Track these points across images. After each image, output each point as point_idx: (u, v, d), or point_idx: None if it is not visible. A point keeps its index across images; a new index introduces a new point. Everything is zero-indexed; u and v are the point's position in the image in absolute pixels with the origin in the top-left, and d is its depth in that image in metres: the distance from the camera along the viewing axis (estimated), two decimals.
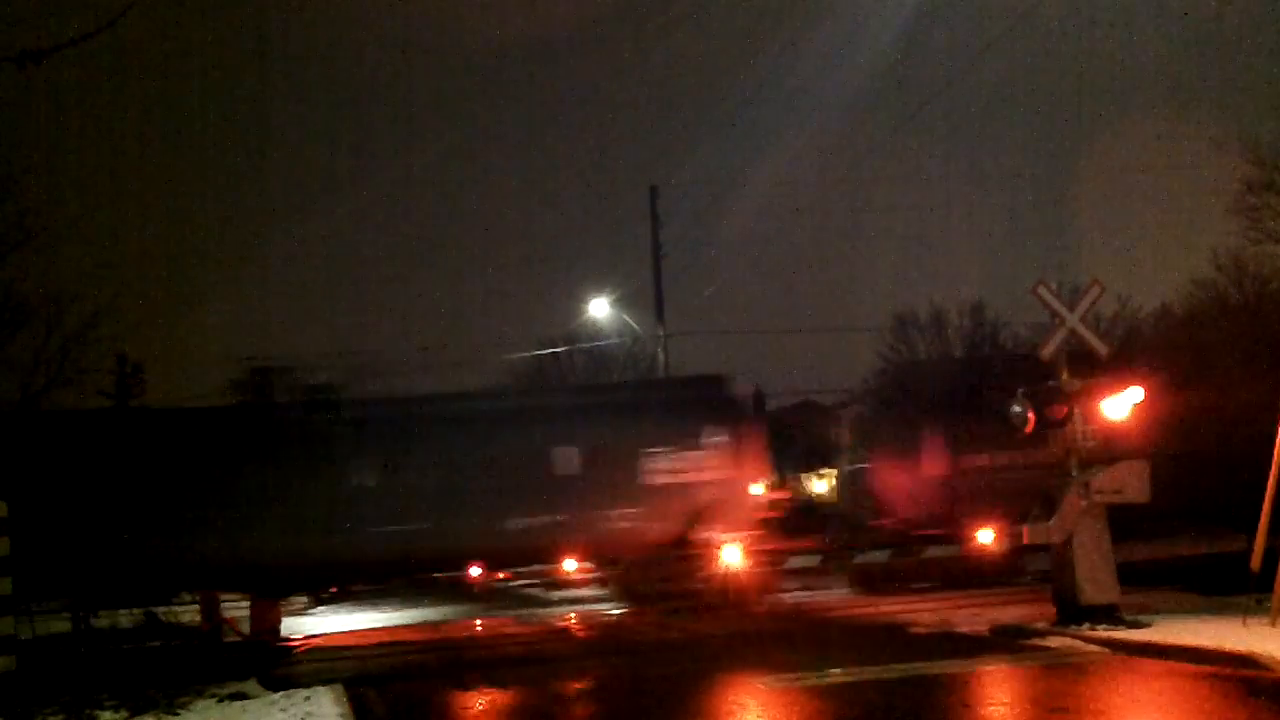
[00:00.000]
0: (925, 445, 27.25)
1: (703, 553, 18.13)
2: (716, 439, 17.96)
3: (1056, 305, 14.42)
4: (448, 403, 19.58)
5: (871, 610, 18.92)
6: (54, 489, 16.35)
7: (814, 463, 43.65)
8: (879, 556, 20.44)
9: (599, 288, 34.79)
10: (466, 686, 12.80)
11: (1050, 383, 14.23)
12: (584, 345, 39.70)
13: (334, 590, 30.45)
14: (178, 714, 11.05)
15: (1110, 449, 14.22)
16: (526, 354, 41.41)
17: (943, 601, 19.23)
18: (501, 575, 29.09)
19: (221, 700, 11.71)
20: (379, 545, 16.92)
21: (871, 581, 22.69)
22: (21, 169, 24.09)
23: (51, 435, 18.58)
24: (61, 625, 18.03)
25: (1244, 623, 11.90)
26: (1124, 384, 14.16)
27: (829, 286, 65.28)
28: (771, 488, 20.94)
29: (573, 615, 21.91)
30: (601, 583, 26.53)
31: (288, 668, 15.70)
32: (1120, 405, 14.06)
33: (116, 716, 10.99)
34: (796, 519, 26.38)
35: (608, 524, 17.49)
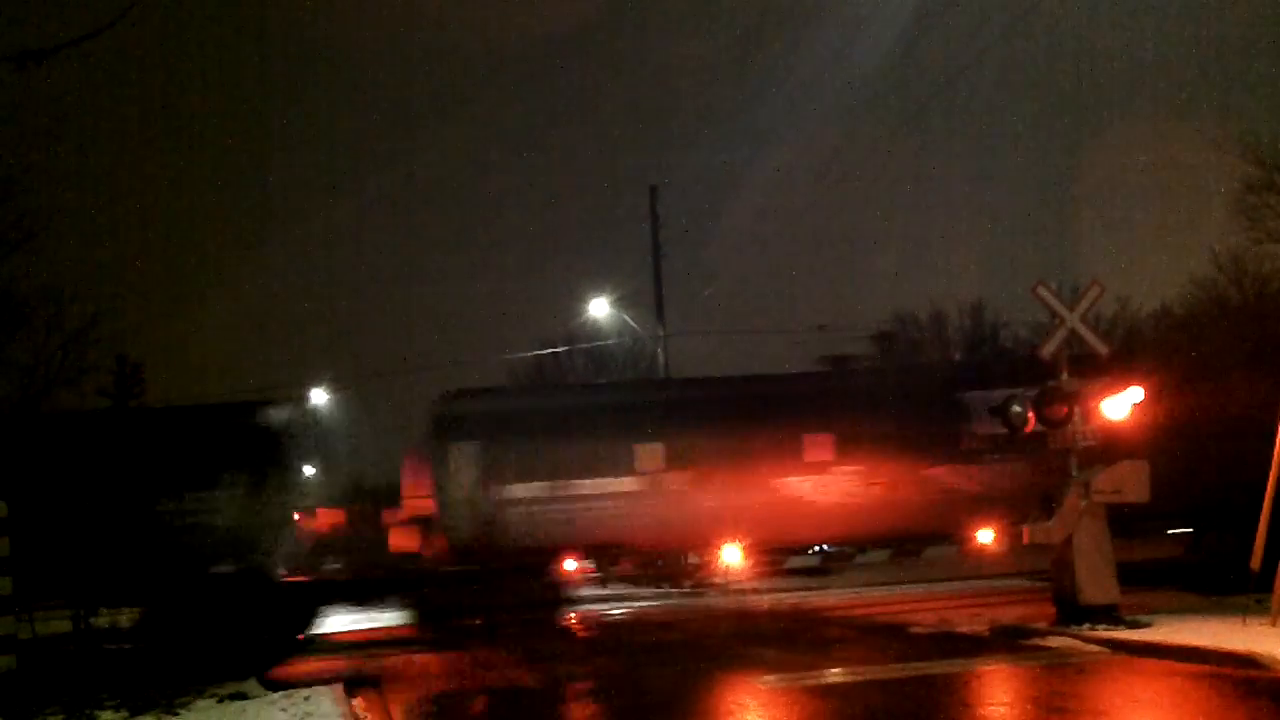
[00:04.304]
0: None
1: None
2: (237, 472, 17.12)
3: (1056, 305, 14.42)
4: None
5: (872, 610, 18.92)
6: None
7: None
8: None
9: (599, 288, 34.77)
10: (467, 686, 12.79)
11: (1050, 383, 14.23)
12: (584, 345, 39.72)
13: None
14: (178, 714, 11.04)
15: (1110, 449, 14.22)
16: (526, 354, 41.46)
17: (943, 601, 19.23)
18: None
19: (221, 700, 11.70)
20: None
21: None
22: (21, 169, 24.13)
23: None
24: (62, 625, 18.04)
25: (1244, 623, 11.90)
26: (1124, 384, 14.16)
27: (829, 286, 65.21)
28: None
29: (573, 615, 21.90)
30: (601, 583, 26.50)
31: (288, 668, 15.68)
32: (1120, 405, 14.06)
33: (116, 716, 10.99)
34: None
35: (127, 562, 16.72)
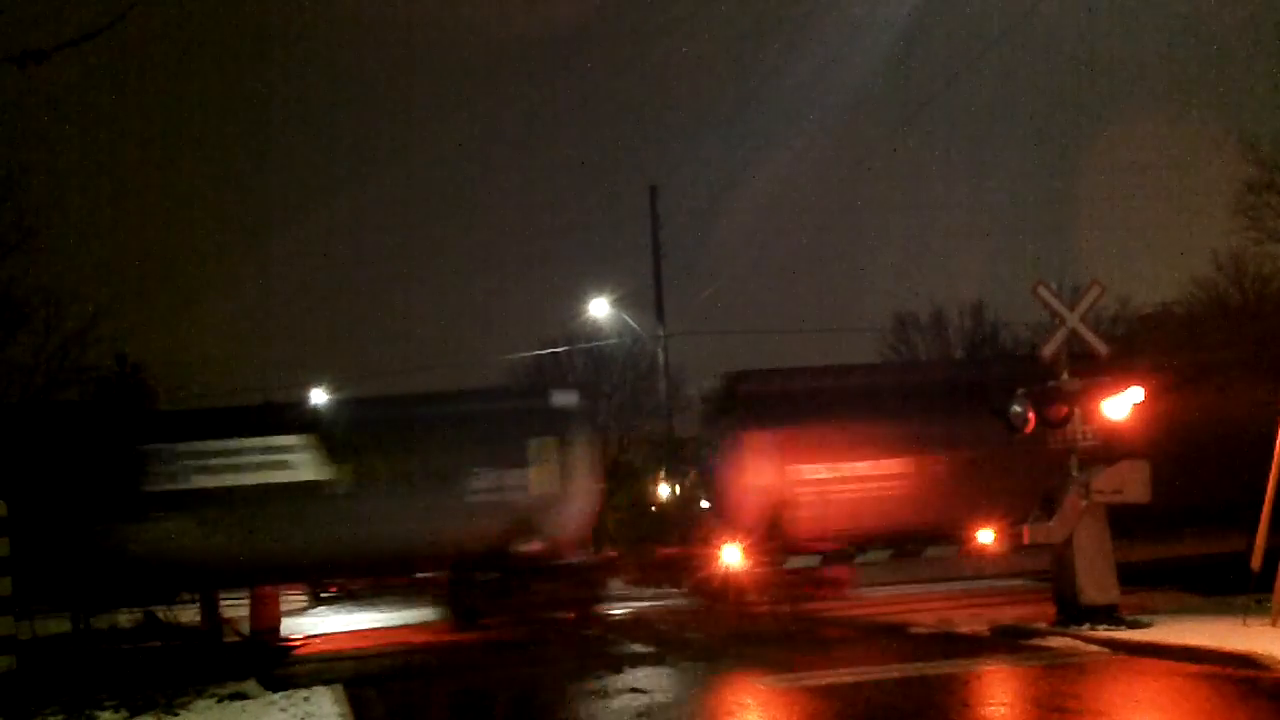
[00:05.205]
0: None
1: None
2: None
3: (1056, 305, 14.42)
4: None
5: (871, 610, 18.92)
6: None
7: None
8: None
9: (599, 288, 34.77)
10: (466, 686, 12.80)
11: (1050, 383, 14.23)
12: (584, 345, 39.73)
13: (334, 590, 30.47)
14: (178, 714, 11.05)
15: (1110, 449, 14.22)
16: (526, 354, 41.45)
17: (943, 601, 19.23)
18: None
19: (221, 700, 11.71)
20: None
21: None
22: (21, 169, 24.09)
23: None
24: (62, 625, 18.03)
25: (1244, 623, 11.90)
26: (1124, 384, 14.15)
27: (829, 286, 65.19)
28: None
29: (572, 615, 21.89)
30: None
31: (287, 668, 15.69)
32: (1120, 405, 14.05)
33: (116, 716, 10.99)
34: None
35: None
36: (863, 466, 18.23)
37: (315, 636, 21.29)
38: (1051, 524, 13.84)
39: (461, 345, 73.28)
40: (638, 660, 13.97)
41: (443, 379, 42.22)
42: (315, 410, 19.17)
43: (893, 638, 14.86)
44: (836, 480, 18.18)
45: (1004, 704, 9.74)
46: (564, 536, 17.53)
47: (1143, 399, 14.05)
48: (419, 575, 20.36)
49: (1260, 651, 10.24)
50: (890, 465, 18.37)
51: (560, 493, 17.13)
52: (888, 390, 19.17)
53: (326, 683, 12.32)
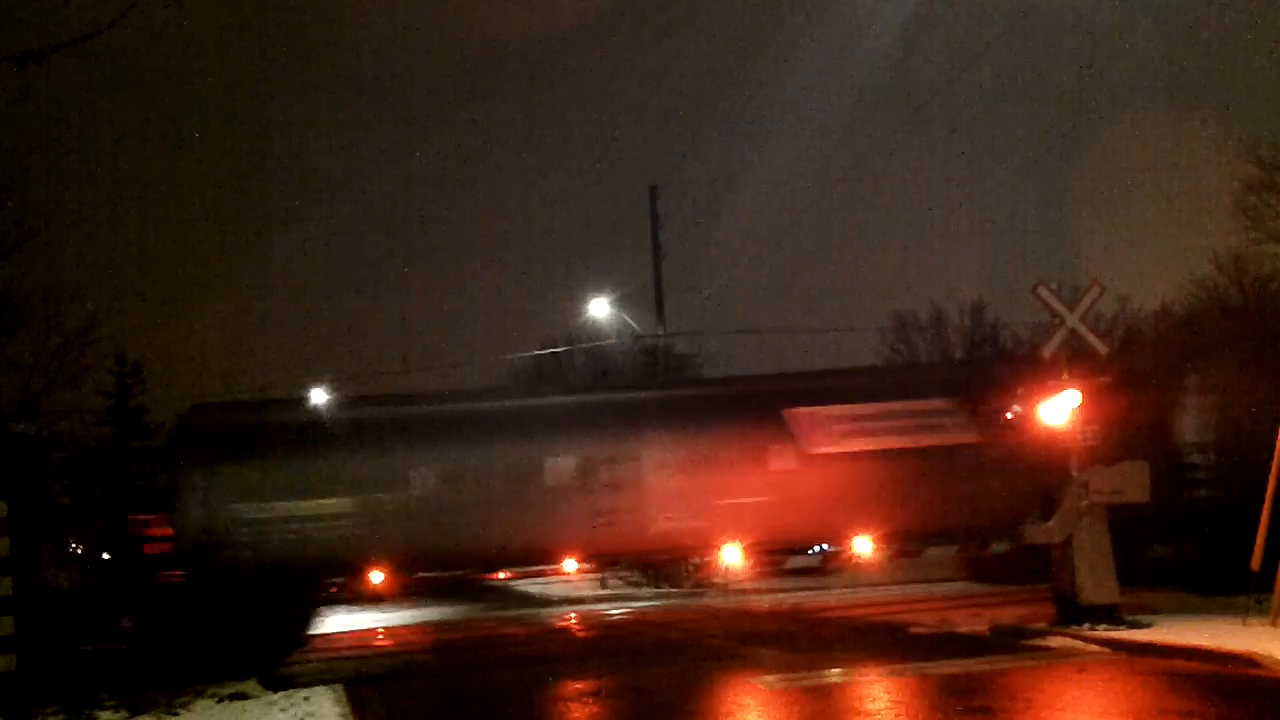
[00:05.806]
0: None
1: None
2: None
3: (1056, 305, 14.41)
4: None
5: (871, 610, 18.93)
6: None
7: None
8: None
9: (599, 288, 34.74)
10: (466, 686, 12.80)
11: (1050, 383, 14.22)
12: (584, 345, 39.72)
13: (334, 590, 30.43)
14: (177, 714, 11.05)
15: (1110, 449, 14.20)
16: (526, 354, 41.46)
17: (943, 601, 19.23)
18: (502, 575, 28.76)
19: (221, 700, 11.71)
20: None
21: None
22: (21, 169, 24.10)
23: None
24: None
25: (1244, 623, 11.90)
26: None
27: (829, 286, 65.16)
28: None
29: (573, 615, 21.93)
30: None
31: (288, 668, 15.69)
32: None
33: (116, 716, 11.00)
34: None
35: None
36: (307, 506, 17.77)
37: (315, 636, 21.30)
38: (1051, 524, 13.83)
39: (461, 345, 73.43)
40: (639, 658, 13.96)
41: (442, 379, 42.21)
42: None
43: (893, 638, 14.86)
44: (278, 520, 17.54)
45: (1004, 703, 9.73)
46: None
47: (1143, 400, 14.05)
48: None
49: (1260, 651, 10.25)
50: (335, 505, 17.74)
51: None
52: (337, 427, 18.40)
53: (327, 683, 12.32)
